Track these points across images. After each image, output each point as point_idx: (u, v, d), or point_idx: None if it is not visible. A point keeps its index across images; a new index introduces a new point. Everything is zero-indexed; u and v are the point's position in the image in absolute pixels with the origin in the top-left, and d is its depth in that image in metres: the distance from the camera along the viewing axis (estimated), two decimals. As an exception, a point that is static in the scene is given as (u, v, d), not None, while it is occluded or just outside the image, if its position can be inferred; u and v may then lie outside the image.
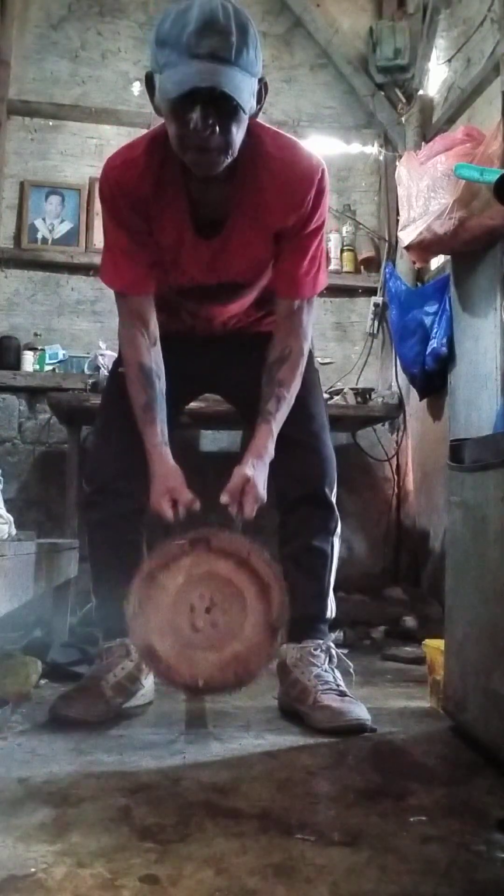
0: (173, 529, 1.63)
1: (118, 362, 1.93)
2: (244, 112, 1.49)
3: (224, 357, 1.94)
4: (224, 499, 1.63)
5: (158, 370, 1.76)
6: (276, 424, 1.74)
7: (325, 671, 1.78)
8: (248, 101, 1.49)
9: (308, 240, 1.73)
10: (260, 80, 1.54)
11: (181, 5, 1.46)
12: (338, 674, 1.80)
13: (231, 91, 1.43)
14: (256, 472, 1.66)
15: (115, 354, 3.39)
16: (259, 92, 1.55)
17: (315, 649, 1.81)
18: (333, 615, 1.90)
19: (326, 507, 1.87)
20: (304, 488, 1.85)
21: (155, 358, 1.76)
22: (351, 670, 1.90)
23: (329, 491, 1.87)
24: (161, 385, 1.76)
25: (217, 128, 1.47)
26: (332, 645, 1.88)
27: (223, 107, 1.46)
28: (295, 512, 1.86)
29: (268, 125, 1.69)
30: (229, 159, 1.55)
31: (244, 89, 1.47)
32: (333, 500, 1.89)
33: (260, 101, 1.56)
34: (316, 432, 1.88)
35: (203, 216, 1.69)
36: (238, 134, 1.52)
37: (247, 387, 1.88)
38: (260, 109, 1.58)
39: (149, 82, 1.56)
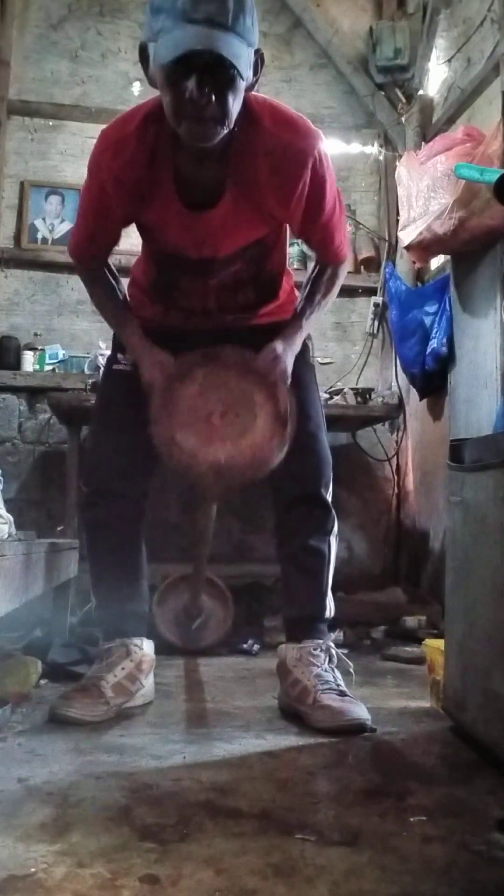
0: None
1: (112, 360, 1.93)
2: (241, 79, 1.45)
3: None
4: (257, 365, 1.71)
5: (119, 285, 1.88)
6: (307, 324, 1.82)
7: (325, 671, 1.78)
8: (245, 70, 1.45)
9: (332, 215, 1.73)
10: (256, 52, 1.49)
11: None
12: (338, 674, 1.81)
13: (228, 56, 1.39)
14: (285, 352, 1.74)
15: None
16: (255, 63, 1.50)
17: (315, 649, 1.81)
18: (332, 614, 1.90)
19: (323, 507, 1.87)
20: (301, 488, 1.85)
21: (116, 280, 1.88)
22: (351, 670, 1.90)
23: (325, 491, 1.87)
24: (125, 294, 1.90)
25: (213, 96, 1.43)
26: (332, 645, 1.88)
27: (220, 74, 1.42)
28: (292, 512, 1.86)
29: (265, 98, 1.63)
30: (225, 130, 1.50)
31: (241, 56, 1.43)
32: (330, 499, 1.89)
33: (256, 72, 1.52)
34: (312, 432, 1.87)
35: (194, 191, 1.64)
36: (234, 104, 1.47)
37: None
38: (256, 81, 1.54)
39: (142, 53, 1.51)
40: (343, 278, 1.89)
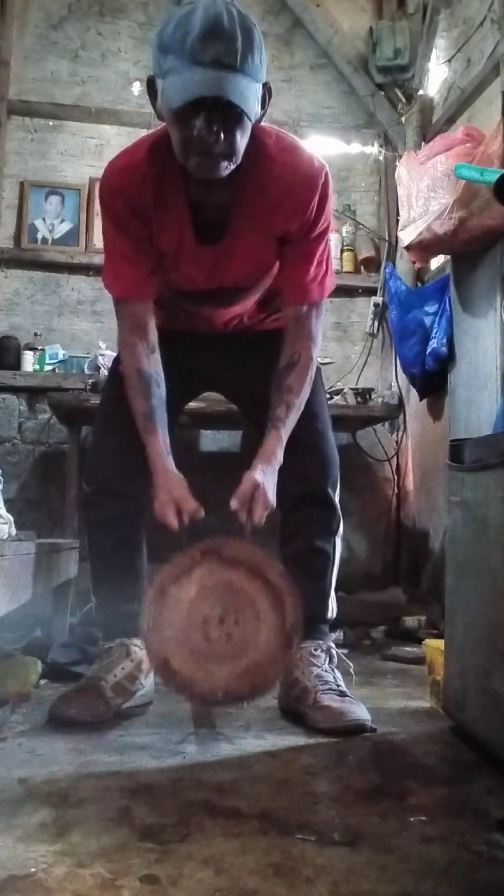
0: (178, 538, 1.62)
1: (118, 361, 1.93)
2: (249, 119, 1.48)
3: (226, 356, 1.93)
4: (234, 505, 1.62)
5: (158, 378, 1.75)
6: (286, 431, 1.73)
7: (326, 671, 1.78)
8: (253, 108, 1.48)
9: (314, 244, 1.72)
10: (264, 85, 1.52)
11: (184, 9, 1.44)
12: (338, 674, 1.80)
13: (236, 99, 1.42)
14: (266, 478, 1.65)
15: (115, 354, 3.40)
16: (263, 97, 1.53)
17: (315, 649, 1.81)
18: (334, 615, 1.90)
19: (329, 507, 1.87)
20: (307, 488, 1.85)
21: (154, 366, 1.75)
22: (351, 670, 1.90)
23: (332, 491, 1.87)
24: (161, 392, 1.75)
25: (221, 134, 1.46)
26: (333, 645, 1.88)
27: (228, 114, 1.44)
28: (297, 511, 1.86)
29: (270, 126, 1.67)
30: (233, 165, 1.53)
31: (249, 97, 1.45)
32: (336, 499, 1.88)
33: (264, 105, 1.54)
34: (320, 431, 1.87)
35: (204, 221, 1.67)
36: (242, 140, 1.51)
37: (250, 385, 1.88)
38: (264, 115, 1.57)
39: (150, 86, 1.54)
40: (317, 349, 1.78)
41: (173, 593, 1.47)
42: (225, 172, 1.53)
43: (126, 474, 1.82)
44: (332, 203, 1.72)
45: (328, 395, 3.35)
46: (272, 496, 1.65)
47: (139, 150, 1.66)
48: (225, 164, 1.51)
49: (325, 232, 1.73)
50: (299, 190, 1.64)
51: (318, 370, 1.97)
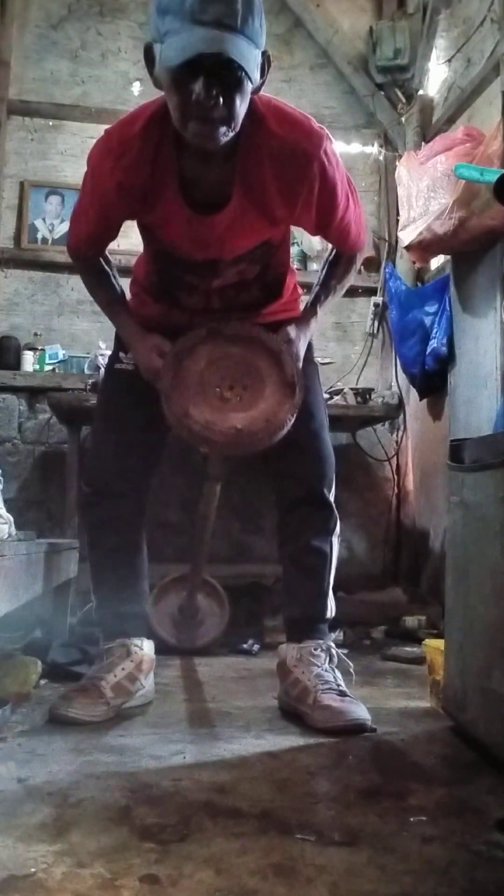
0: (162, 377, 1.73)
1: (114, 359, 1.93)
2: (249, 82, 1.44)
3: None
4: (272, 344, 1.74)
5: (115, 273, 1.88)
6: (322, 309, 1.85)
7: (326, 671, 1.78)
8: (253, 72, 1.43)
9: (335, 196, 1.68)
10: (263, 53, 1.48)
11: None
12: (338, 674, 1.81)
13: (237, 58, 1.37)
14: (298, 336, 1.78)
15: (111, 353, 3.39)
16: (262, 65, 1.49)
17: (315, 649, 1.81)
18: (333, 615, 1.90)
19: (325, 507, 1.87)
20: (303, 488, 1.85)
21: (112, 269, 1.88)
22: (351, 670, 1.91)
23: (328, 491, 1.87)
24: (120, 285, 1.89)
25: (221, 98, 1.42)
26: (333, 645, 1.88)
27: (228, 77, 1.41)
28: (294, 512, 1.86)
29: (268, 96, 1.61)
30: (231, 133, 1.49)
31: (250, 58, 1.41)
32: (332, 499, 1.88)
33: (263, 73, 1.50)
34: (315, 431, 1.87)
35: (199, 197, 1.63)
36: (241, 106, 1.46)
37: None
38: (263, 83, 1.53)
39: (147, 53, 1.49)
40: (360, 262, 1.93)
41: (186, 363, 1.66)
42: (223, 139, 1.49)
43: (125, 475, 1.82)
44: (338, 162, 1.67)
45: (328, 395, 3.36)
46: (301, 352, 1.78)
47: (137, 122, 1.60)
48: (223, 129, 1.47)
49: (346, 195, 1.71)
50: (295, 166, 1.60)
51: (317, 369, 1.98)
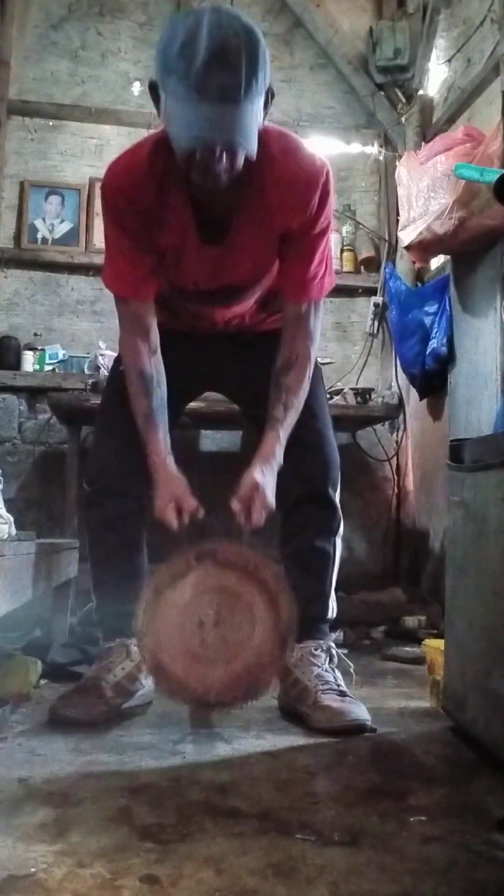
0: (178, 537, 1.62)
1: (118, 362, 1.93)
2: (253, 144, 1.48)
3: (227, 356, 1.93)
4: (234, 505, 1.60)
5: (159, 377, 1.75)
6: (284, 431, 1.71)
7: (326, 671, 1.78)
8: (255, 138, 1.47)
9: (314, 242, 1.71)
10: (267, 91, 1.50)
11: (189, 24, 1.40)
12: (338, 674, 1.80)
13: (240, 137, 1.42)
14: (265, 478, 1.64)
15: (116, 354, 3.39)
16: (266, 99, 1.51)
17: (316, 649, 1.81)
18: (334, 615, 1.90)
19: (329, 507, 1.87)
20: (307, 487, 1.85)
21: (156, 365, 1.75)
22: (351, 670, 1.91)
23: (332, 490, 1.87)
24: (162, 392, 1.74)
25: (224, 158, 1.46)
26: (333, 645, 1.88)
27: (230, 145, 1.46)
28: (297, 511, 1.86)
29: (272, 126, 1.65)
30: (234, 174, 1.53)
31: (252, 127, 1.45)
32: (337, 499, 1.88)
33: (267, 107, 1.53)
34: (320, 430, 1.87)
35: (206, 220, 1.66)
36: (242, 159, 1.50)
37: (250, 385, 1.88)
38: (266, 115, 1.55)
39: (152, 90, 1.51)
40: (313, 359, 1.78)
41: (168, 596, 1.46)
42: (226, 184, 1.53)
43: (127, 475, 1.82)
44: (334, 202, 1.71)
45: (328, 396, 3.36)
46: (271, 497, 1.64)
47: (142, 150, 1.65)
48: (226, 177, 1.51)
49: (325, 230, 1.72)
50: (301, 189, 1.64)
51: (319, 369, 1.97)
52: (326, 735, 1.61)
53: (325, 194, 1.66)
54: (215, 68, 1.37)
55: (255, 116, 1.47)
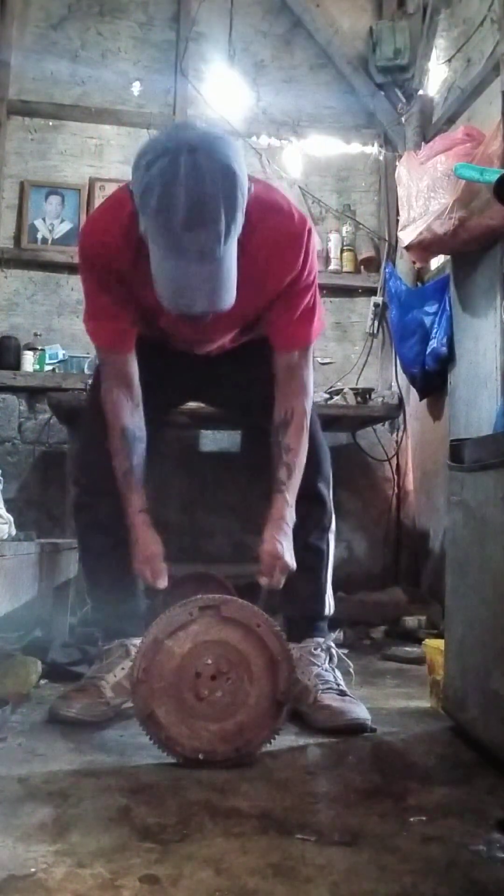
0: (154, 591, 1.68)
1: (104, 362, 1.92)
2: (232, 292, 1.45)
3: (206, 367, 1.88)
4: (263, 581, 1.63)
5: (140, 433, 1.74)
6: (291, 493, 1.72)
7: (326, 670, 1.79)
8: (234, 274, 1.44)
9: (300, 297, 1.69)
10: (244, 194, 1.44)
11: (165, 169, 1.35)
12: (338, 673, 1.81)
13: (220, 294, 1.41)
14: (283, 546, 1.65)
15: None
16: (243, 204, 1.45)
17: (315, 648, 1.82)
18: (332, 612, 1.91)
19: (321, 504, 1.87)
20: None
21: (137, 421, 1.74)
22: (351, 670, 1.91)
23: (325, 487, 1.87)
24: (142, 448, 1.74)
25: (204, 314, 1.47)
26: (333, 644, 1.88)
27: (211, 306, 1.44)
28: None
29: (253, 191, 1.53)
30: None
31: (231, 269, 1.42)
32: (328, 495, 1.88)
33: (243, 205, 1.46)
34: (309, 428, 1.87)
35: None
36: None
37: (231, 395, 1.87)
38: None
39: (132, 199, 1.46)
40: (309, 411, 1.77)
41: (167, 646, 1.45)
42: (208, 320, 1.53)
43: (112, 473, 1.81)
44: (315, 255, 1.68)
45: (328, 395, 3.36)
46: (291, 560, 1.65)
47: (121, 211, 1.55)
48: (208, 319, 1.51)
49: (310, 284, 1.70)
50: (283, 252, 1.61)
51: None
52: (326, 734, 1.62)
53: (308, 251, 1.64)
54: (193, 228, 1.35)
55: (233, 257, 1.44)
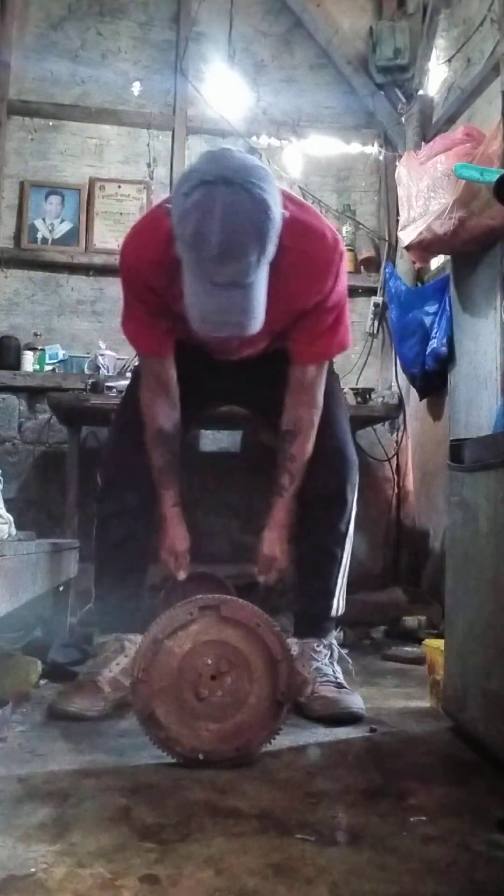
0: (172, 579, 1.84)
1: (140, 369, 1.94)
2: (261, 316, 1.49)
3: (240, 372, 1.89)
4: (261, 580, 1.81)
5: (176, 433, 1.83)
6: (291, 498, 1.82)
7: (325, 665, 1.83)
8: (263, 299, 1.48)
9: (324, 316, 1.73)
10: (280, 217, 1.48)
11: (202, 202, 1.39)
12: (337, 667, 1.85)
13: (250, 320, 1.46)
14: (279, 548, 1.81)
15: (115, 354, 3.39)
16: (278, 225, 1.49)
17: (317, 645, 1.86)
18: (339, 613, 1.92)
19: (342, 507, 1.91)
20: (327, 489, 1.87)
21: (173, 422, 1.82)
22: (350, 667, 1.92)
23: (350, 492, 1.91)
24: (177, 446, 1.84)
25: (235, 340, 1.56)
26: (335, 642, 1.91)
27: (241, 333, 1.51)
28: (313, 511, 1.88)
29: (287, 211, 1.56)
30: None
31: (261, 295, 1.47)
32: (352, 501, 1.92)
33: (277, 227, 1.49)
34: (340, 436, 1.91)
35: None
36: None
37: (268, 396, 1.88)
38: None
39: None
40: (317, 423, 1.82)
41: (167, 646, 1.45)
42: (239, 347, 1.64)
43: (136, 470, 1.84)
44: (345, 276, 1.72)
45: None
46: (286, 561, 1.82)
47: (159, 230, 1.57)
48: (238, 345, 1.62)
49: (335, 305, 1.73)
50: (313, 276, 1.65)
51: (336, 376, 2.02)
52: (323, 723, 1.65)
53: (338, 275, 1.68)
54: (225, 261, 1.40)
55: (262, 283, 1.48)
